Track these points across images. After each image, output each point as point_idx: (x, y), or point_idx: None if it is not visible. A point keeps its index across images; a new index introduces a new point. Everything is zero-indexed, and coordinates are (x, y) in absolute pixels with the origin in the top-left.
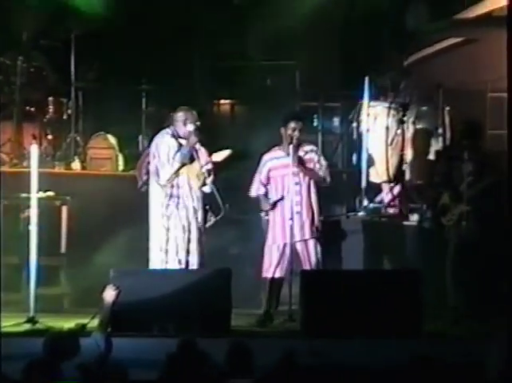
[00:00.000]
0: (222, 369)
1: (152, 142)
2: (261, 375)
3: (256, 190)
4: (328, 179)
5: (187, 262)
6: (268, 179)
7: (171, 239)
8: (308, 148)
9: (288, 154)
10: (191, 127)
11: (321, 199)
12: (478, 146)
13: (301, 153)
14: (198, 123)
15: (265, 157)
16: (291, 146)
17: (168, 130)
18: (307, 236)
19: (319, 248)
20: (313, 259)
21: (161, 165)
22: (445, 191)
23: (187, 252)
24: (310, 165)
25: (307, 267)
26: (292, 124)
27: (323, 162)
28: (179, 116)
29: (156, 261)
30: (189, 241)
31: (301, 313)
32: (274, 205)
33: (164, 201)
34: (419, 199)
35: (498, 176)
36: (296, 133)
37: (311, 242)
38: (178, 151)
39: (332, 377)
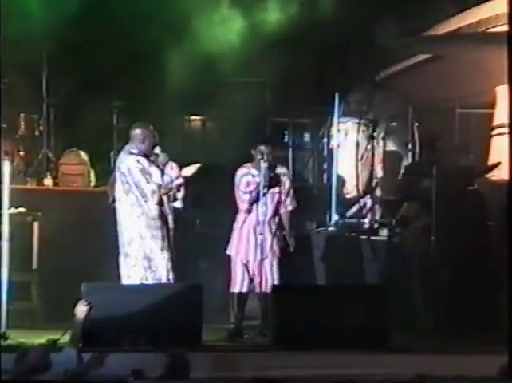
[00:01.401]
0: None
1: (120, 162)
2: None
3: (243, 202)
4: (292, 207)
5: (159, 277)
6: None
7: (144, 253)
8: (281, 170)
9: (259, 172)
10: (157, 149)
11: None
12: (444, 161)
13: (272, 174)
14: (156, 138)
15: (240, 172)
16: (262, 167)
17: (132, 150)
18: (270, 254)
19: (278, 267)
20: (276, 277)
21: (151, 191)
22: (408, 204)
23: (166, 269)
24: (280, 187)
25: (268, 284)
26: (261, 148)
27: (291, 192)
28: (137, 133)
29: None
30: (163, 258)
31: (272, 327)
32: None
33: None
34: (388, 214)
35: (462, 191)
36: (265, 157)
37: (274, 261)
38: (161, 176)
39: None
